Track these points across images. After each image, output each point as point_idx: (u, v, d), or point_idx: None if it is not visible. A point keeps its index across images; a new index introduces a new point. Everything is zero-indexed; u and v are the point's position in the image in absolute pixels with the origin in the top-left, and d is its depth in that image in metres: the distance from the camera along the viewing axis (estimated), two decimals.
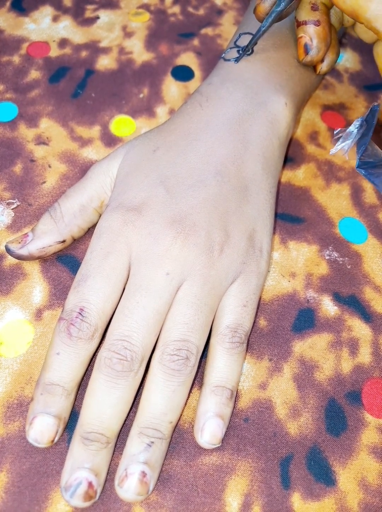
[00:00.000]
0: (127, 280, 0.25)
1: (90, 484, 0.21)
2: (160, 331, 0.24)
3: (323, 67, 0.32)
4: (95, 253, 0.25)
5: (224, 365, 0.24)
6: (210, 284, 0.24)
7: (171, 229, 0.25)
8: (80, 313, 0.23)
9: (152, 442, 0.22)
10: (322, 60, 0.32)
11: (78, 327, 0.23)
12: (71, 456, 0.22)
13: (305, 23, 0.30)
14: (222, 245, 0.25)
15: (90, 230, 0.29)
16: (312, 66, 0.33)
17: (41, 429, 0.22)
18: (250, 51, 0.31)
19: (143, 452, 0.22)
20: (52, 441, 0.22)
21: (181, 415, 0.25)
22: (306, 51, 0.30)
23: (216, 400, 0.24)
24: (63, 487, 0.21)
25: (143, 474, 0.22)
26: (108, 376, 0.22)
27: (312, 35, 0.30)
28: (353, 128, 0.33)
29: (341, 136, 0.34)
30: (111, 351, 0.22)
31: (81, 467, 0.21)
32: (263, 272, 0.27)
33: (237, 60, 0.31)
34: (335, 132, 0.34)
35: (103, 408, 0.22)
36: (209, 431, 0.23)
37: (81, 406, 0.23)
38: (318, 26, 0.30)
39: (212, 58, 0.39)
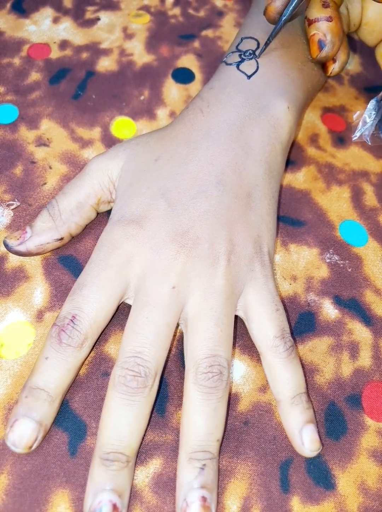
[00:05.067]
0: (125, 293, 0.25)
1: (114, 506, 0.21)
2: (186, 350, 0.24)
3: (335, 68, 0.32)
4: (94, 264, 0.25)
5: (291, 374, 0.24)
6: (225, 295, 0.24)
7: (173, 243, 0.25)
8: (72, 321, 0.23)
9: (205, 465, 0.22)
10: (334, 60, 0.32)
11: (68, 334, 0.23)
12: (92, 480, 0.21)
13: (316, 20, 0.30)
14: (228, 255, 0.25)
15: (89, 228, 0.29)
16: (322, 68, 0.33)
17: (21, 433, 0.22)
18: (259, 55, 0.31)
19: (198, 477, 0.22)
20: (30, 447, 0.22)
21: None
22: (320, 47, 0.30)
23: (300, 409, 0.24)
24: None
25: (204, 499, 0.21)
26: (124, 394, 0.22)
27: (325, 31, 0.30)
28: (371, 107, 0.32)
29: (359, 121, 0.33)
30: (125, 368, 0.22)
31: (103, 489, 0.21)
32: (271, 276, 0.27)
33: (255, 72, 0.31)
34: (354, 117, 0.34)
35: (121, 426, 0.22)
36: (309, 439, 0.24)
37: (98, 428, 0.22)
38: (330, 22, 0.30)
39: (212, 60, 0.39)
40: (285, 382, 0.24)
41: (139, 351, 0.23)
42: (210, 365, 0.23)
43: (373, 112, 0.33)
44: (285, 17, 0.29)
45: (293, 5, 0.29)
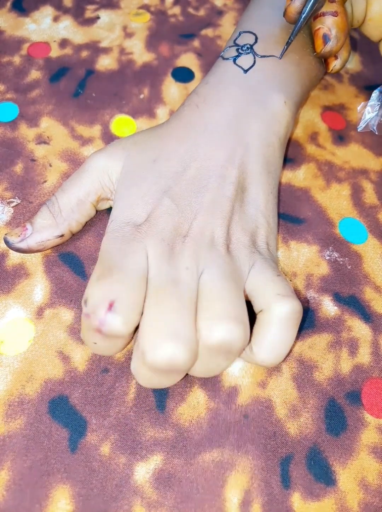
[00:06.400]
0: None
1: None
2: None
3: (336, 64, 0.32)
4: (114, 253, 0.24)
5: (279, 338, 0.24)
6: (229, 267, 0.24)
7: (180, 235, 0.25)
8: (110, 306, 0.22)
9: None
10: (336, 57, 0.32)
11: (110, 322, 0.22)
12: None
13: (322, 14, 0.30)
14: (227, 243, 0.25)
15: (89, 225, 0.29)
16: (324, 63, 0.33)
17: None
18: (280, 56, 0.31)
19: None
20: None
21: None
22: (325, 41, 0.30)
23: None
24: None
25: None
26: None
27: (330, 25, 0.30)
28: (374, 97, 0.32)
29: (363, 112, 0.34)
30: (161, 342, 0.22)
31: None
32: (272, 262, 0.26)
33: (252, 66, 0.31)
34: (358, 108, 0.34)
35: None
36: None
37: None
38: (336, 16, 0.30)
39: (212, 59, 0.39)
40: (270, 343, 0.24)
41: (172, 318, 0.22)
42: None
43: (378, 103, 0.33)
44: (304, 15, 0.29)
45: (311, 2, 0.29)
